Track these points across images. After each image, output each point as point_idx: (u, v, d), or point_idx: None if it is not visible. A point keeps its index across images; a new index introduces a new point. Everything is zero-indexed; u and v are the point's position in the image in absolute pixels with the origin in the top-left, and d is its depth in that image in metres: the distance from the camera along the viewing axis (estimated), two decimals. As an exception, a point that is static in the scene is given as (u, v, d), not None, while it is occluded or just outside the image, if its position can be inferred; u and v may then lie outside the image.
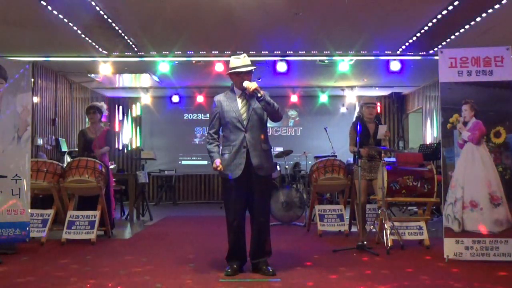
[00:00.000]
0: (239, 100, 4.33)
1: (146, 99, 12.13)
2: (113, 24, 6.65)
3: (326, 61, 8.57)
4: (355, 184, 5.89)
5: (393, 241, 5.28)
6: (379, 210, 5.49)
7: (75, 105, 10.76)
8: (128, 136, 12.63)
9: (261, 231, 4.27)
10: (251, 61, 4.40)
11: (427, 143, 10.18)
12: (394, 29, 6.94)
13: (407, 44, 7.61)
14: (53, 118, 9.55)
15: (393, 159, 5.78)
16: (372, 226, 5.79)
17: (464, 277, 4.11)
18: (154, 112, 12.45)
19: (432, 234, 5.80)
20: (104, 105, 6.93)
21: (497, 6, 5.89)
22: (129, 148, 12.59)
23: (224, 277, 4.10)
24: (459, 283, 3.92)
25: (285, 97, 11.78)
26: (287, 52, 8.11)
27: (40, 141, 8.86)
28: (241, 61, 4.29)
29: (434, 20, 6.46)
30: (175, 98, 11.76)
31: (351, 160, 7.22)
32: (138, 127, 12.63)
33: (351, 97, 11.81)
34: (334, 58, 8.33)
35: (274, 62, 8.36)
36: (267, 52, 8.04)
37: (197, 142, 12.49)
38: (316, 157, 9.31)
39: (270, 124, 4.57)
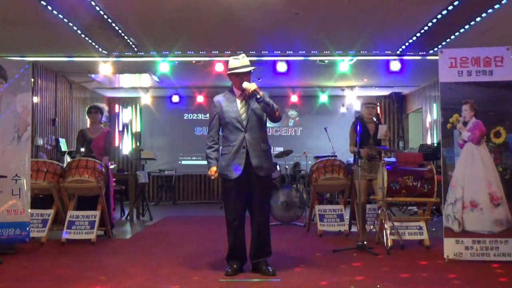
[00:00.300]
0: (238, 101, 4.32)
1: (146, 99, 12.13)
2: (113, 24, 6.65)
3: (326, 61, 8.57)
4: (355, 184, 5.89)
5: (393, 241, 5.28)
6: (379, 210, 5.49)
7: (75, 105, 10.75)
8: (128, 136, 12.65)
9: (261, 231, 4.27)
10: (251, 61, 4.40)
11: (427, 143, 10.19)
12: (394, 29, 6.94)
13: (407, 44, 7.61)
14: (53, 118, 9.56)
15: (393, 159, 5.78)
16: (372, 226, 5.80)
17: (464, 277, 4.11)
18: (154, 112, 12.46)
19: (432, 234, 5.80)
20: (105, 107, 6.92)
21: (497, 6, 5.88)
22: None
23: (224, 277, 4.10)
24: (459, 283, 3.92)
25: (285, 97, 11.79)
26: (287, 52, 8.11)
27: (40, 141, 8.86)
28: (240, 61, 4.29)
29: (434, 20, 6.46)
30: (175, 98, 11.77)
31: (351, 160, 7.22)
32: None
33: (351, 97, 11.81)
34: (334, 58, 8.33)
35: (274, 62, 8.36)
36: (267, 52, 8.04)
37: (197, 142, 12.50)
38: (316, 157, 9.31)
39: (270, 124, 4.57)
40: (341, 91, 11.71)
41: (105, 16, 6.33)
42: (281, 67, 8.32)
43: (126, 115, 12.64)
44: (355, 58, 8.32)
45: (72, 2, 5.90)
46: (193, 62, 8.57)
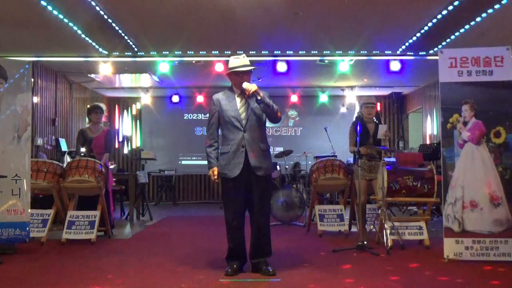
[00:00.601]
0: (238, 99, 4.32)
1: (146, 99, 12.13)
2: (113, 24, 6.65)
3: (326, 61, 8.56)
4: (355, 184, 5.90)
5: (393, 241, 5.28)
6: (379, 210, 5.49)
7: (75, 105, 10.75)
8: (128, 134, 12.63)
9: (261, 231, 4.27)
10: (251, 61, 4.40)
11: (427, 143, 10.18)
12: (394, 29, 6.94)
13: (407, 44, 7.61)
14: (53, 118, 9.55)
15: (393, 159, 5.78)
16: (372, 226, 5.80)
17: (464, 277, 4.10)
18: (154, 112, 12.46)
19: (432, 234, 5.79)
20: (103, 106, 6.92)
21: (497, 6, 5.88)
22: (130, 148, 12.58)
23: (224, 277, 4.10)
24: (459, 283, 3.92)
25: (285, 97, 11.79)
26: (287, 52, 8.11)
27: (40, 141, 8.86)
28: (240, 61, 4.29)
29: (434, 20, 6.46)
30: (175, 98, 11.76)
31: (351, 160, 7.22)
32: (138, 125, 12.63)
33: (351, 97, 11.81)
34: (334, 58, 8.33)
35: (274, 62, 8.36)
36: (267, 52, 8.04)
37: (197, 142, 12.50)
38: (316, 157, 9.30)
39: (270, 124, 4.56)
40: (341, 91, 11.71)
41: (105, 16, 6.33)
42: (281, 67, 8.32)
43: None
44: (355, 58, 8.32)
45: (72, 2, 5.91)
46: (193, 62, 8.57)
